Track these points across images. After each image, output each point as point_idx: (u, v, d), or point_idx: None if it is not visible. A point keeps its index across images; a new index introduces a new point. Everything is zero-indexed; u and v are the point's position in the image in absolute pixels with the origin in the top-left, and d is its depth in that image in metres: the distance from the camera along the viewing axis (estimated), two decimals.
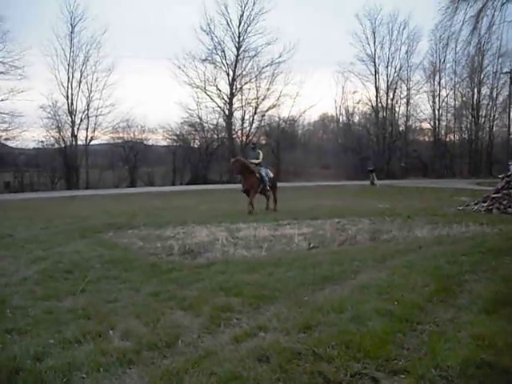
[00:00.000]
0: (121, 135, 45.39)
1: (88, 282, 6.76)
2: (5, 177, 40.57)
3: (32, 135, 42.93)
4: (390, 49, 53.69)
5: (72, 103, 42.36)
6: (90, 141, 43.64)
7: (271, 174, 17.69)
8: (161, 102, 74.34)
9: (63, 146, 42.26)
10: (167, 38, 71.69)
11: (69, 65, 42.42)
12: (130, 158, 45.36)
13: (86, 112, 42.81)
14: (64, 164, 41.74)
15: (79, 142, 43.14)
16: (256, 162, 17.36)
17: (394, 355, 4.25)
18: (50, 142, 43.00)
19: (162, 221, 13.65)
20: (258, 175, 16.90)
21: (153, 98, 68.99)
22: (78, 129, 42.60)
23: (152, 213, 16.41)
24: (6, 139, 40.24)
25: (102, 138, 45.33)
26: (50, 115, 41.72)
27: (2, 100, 38.27)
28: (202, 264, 8.09)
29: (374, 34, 53.20)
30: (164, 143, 49.94)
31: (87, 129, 43.09)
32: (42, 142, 42.77)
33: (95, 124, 43.36)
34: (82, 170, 43.21)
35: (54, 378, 3.90)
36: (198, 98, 47.06)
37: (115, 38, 61.52)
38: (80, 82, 42.68)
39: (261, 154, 17.84)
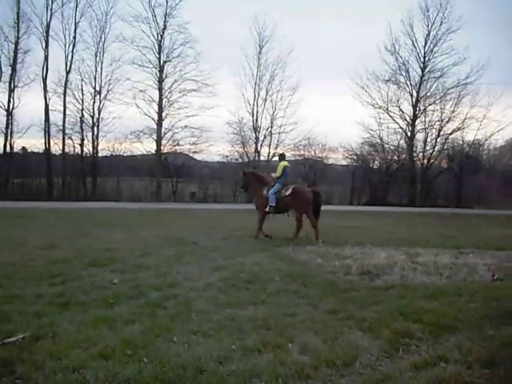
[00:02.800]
0: (302, 153, 46.18)
1: (268, 293, 6.93)
2: (191, 187, 43.05)
3: (217, 149, 45.13)
4: None
5: (257, 120, 43.91)
6: (273, 157, 44.78)
7: (287, 193, 14.45)
8: (342, 121, 74.68)
9: (246, 160, 43.89)
10: (350, 58, 72.05)
11: (255, 83, 44.02)
12: (310, 176, 46.00)
13: (269, 129, 44.10)
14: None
15: (261, 158, 44.56)
16: (273, 175, 15.10)
17: None
18: (234, 157, 44.92)
19: (340, 240, 13.64)
20: (265, 192, 14.79)
21: (334, 117, 69.53)
22: (261, 145, 44.03)
23: (329, 231, 16.43)
24: (194, 152, 42.68)
25: None
26: (235, 131, 43.60)
27: (193, 115, 40.70)
28: (380, 286, 7.94)
29: None
30: (344, 162, 49.99)
31: (270, 145, 44.34)
32: (226, 156, 44.78)
33: (278, 141, 44.48)
34: None
35: (236, 383, 4.05)
36: (379, 118, 46.57)
37: (300, 58, 62.79)
38: (265, 100, 44.08)
39: (280, 166, 14.95)
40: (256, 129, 43.62)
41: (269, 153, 44.15)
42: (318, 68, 68.15)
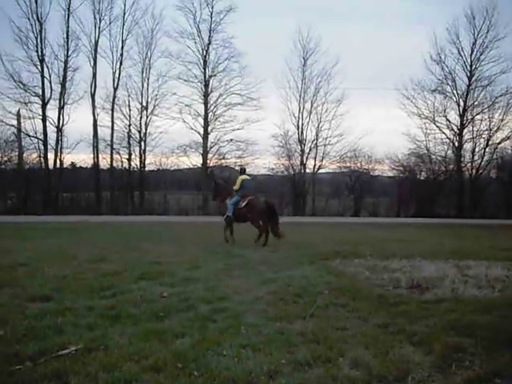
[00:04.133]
0: (347, 165, 45.87)
1: (317, 307, 6.89)
2: None
3: (263, 162, 45.20)
4: None
5: (302, 133, 43.85)
6: (318, 169, 44.75)
7: (243, 204, 15.82)
8: (388, 132, 73.93)
9: (292, 173, 43.90)
10: (396, 68, 71.46)
11: (300, 96, 44.02)
12: (356, 188, 45.71)
13: (315, 141, 44.01)
14: (292, 191, 43.35)
15: (307, 170, 44.49)
16: (234, 188, 16.49)
17: None
18: (279, 170, 44.95)
19: (388, 252, 13.47)
20: (227, 202, 16.32)
21: (380, 128, 68.92)
22: (306, 157, 43.95)
23: (377, 243, 16.29)
24: (240, 165, 42.84)
25: (328, 167, 46.28)
26: (281, 144, 43.66)
27: (238, 129, 41.03)
28: (431, 300, 7.81)
29: None
30: (390, 174, 49.40)
31: (315, 158, 44.22)
32: (272, 169, 44.83)
33: (323, 153, 44.33)
34: (309, 197, 44.44)
35: None
36: (426, 128, 45.83)
37: (345, 69, 62.51)
38: (310, 112, 44.01)
39: (239, 180, 16.41)
40: (301, 141, 43.59)
41: (314, 165, 44.07)
42: (362, 79, 68.07)
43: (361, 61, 65.93)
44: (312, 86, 43.78)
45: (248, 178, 16.82)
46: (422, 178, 48.36)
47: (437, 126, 45.38)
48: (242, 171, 17.24)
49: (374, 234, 22.02)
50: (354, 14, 69.33)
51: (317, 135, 43.95)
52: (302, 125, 43.79)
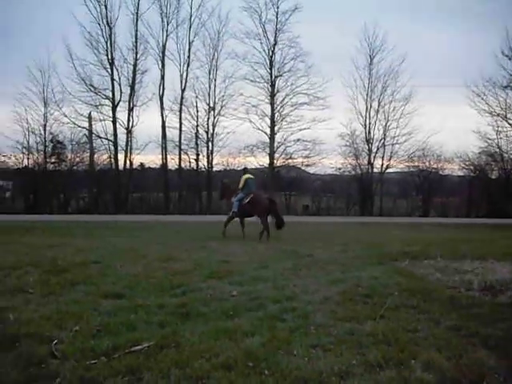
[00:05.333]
0: (416, 164, 45.11)
1: (387, 308, 6.79)
2: (304, 200, 43.21)
3: (330, 162, 44.93)
4: None
5: (369, 132, 43.54)
6: (386, 169, 44.23)
7: (246, 200, 17.26)
8: (457, 130, 72.09)
9: (359, 173, 43.51)
10: (464, 64, 69.69)
11: (367, 95, 43.75)
12: (424, 188, 44.86)
13: (382, 141, 43.57)
14: (359, 191, 43.01)
15: (375, 170, 44.03)
16: (239, 186, 17.85)
17: None
18: (346, 169, 44.62)
19: (459, 253, 13.13)
20: (233, 199, 17.73)
21: (449, 126, 67.39)
22: (374, 157, 43.56)
23: (447, 244, 15.91)
24: (307, 165, 42.87)
25: (396, 167, 45.63)
26: (348, 143, 43.40)
27: (305, 129, 41.00)
28: (505, 302, 7.56)
29: None
30: (460, 173, 48.21)
31: (383, 157, 43.76)
32: (339, 168, 44.55)
33: (391, 152, 43.83)
34: (376, 197, 43.98)
35: None
36: (497, 126, 44.47)
37: (412, 67, 61.51)
38: (377, 111, 43.64)
39: (242, 179, 17.84)
40: (369, 140, 43.28)
41: (382, 164, 43.63)
42: (430, 76, 66.55)
43: (427, 58, 64.92)
44: (379, 84, 43.50)
45: (251, 176, 18.14)
46: (494, 177, 47.03)
47: (509, 124, 43.93)
48: (246, 170, 18.81)
49: (444, 234, 21.55)
50: (421, 11, 68.14)
51: (384, 134, 43.58)
52: (369, 124, 43.52)
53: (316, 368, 4.55)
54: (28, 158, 40.66)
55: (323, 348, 5.13)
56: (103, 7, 38.48)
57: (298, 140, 41.34)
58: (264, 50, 40.76)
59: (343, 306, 6.96)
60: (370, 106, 43.66)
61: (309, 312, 6.58)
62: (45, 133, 39.58)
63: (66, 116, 39.04)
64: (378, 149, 43.51)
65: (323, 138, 44.25)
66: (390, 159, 43.88)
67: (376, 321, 6.20)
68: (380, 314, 6.48)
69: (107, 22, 38.68)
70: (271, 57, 40.81)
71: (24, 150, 40.10)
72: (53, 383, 4.18)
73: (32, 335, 5.33)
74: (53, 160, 40.96)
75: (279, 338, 5.36)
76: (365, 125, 43.37)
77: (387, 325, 6.02)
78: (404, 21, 70.18)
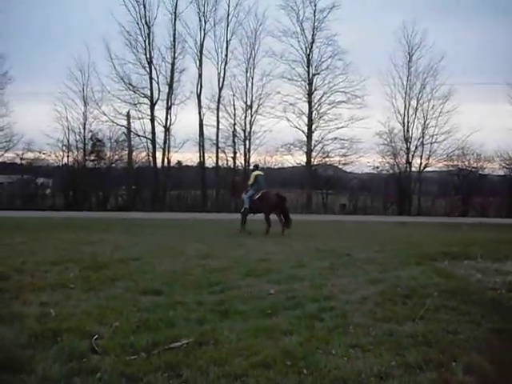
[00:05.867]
0: (455, 163, 44.41)
1: (426, 309, 6.71)
2: (341, 199, 42.99)
3: (367, 161, 44.55)
4: None
5: (408, 130, 43.01)
6: (424, 168, 43.69)
7: (256, 197, 18.05)
8: (498, 129, 70.83)
9: (397, 172, 43.07)
10: (504, 62, 68.33)
11: (405, 93, 43.20)
12: (464, 187, 44.18)
13: (420, 139, 43.02)
14: (397, 190, 42.56)
15: (413, 169, 43.56)
16: (249, 182, 18.76)
17: None
18: (384, 168, 44.20)
19: (500, 254, 12.88)
20: (243, 196, 18.48)
21: (490, 125, 66.16)
22: (412, 156, 43.05)
23: (488, 245, 15.61)
24: (344, 164, 42.67)
25: (435, 166, 45.01)
26: (386, 142, 42.95)
27: (343, 127, 40.78)
28: None
29: None
30: (501, 172, 47.27)
31: (421, 156, 43.23)
32: (376, 167, 44.17)
33: (430, 151, 43.27)
34: (415, 196, 43.51)
35: None
36: None
37: (452, 64, 60.43)
38: (416, 109, 43.08)
39: (253, 175, 18.74)
40: (407, 139, 42.79)
41: (420, 163, 43.11)
42: (470, 74, 65.66)
43: (467, 55, 63.85)
44: (418, 82, 42.97)
45: (261, 173, 18.98)
46: None
47: None
48: (256, 167, 19.77)
49: (484, 234, 21.16)
50: (460, 6, 67.13)
51: (423, 133, 43.04)
52: (408, 122, 43.01)
53: (355, 368, 4.53)
54: (68, 156, 41.58)
55: (362, 348, 5.09)
56: (142, 7, 39.00)
57: (336, 138, 41.26)
58: (301, 48, 40.79)
59: (382, 307, 6.89)
60: (409, 104, 43.16)
61: (347, 312, 6.54)
62: (84, 131, 40.45)
63: (105, 114, 39.75)
64: (416, 147, 43.03)
65: (361, 137, 43.72)
66: (428, 158, 43.34)
67: (415, 322, 6.14)
68: (420, 314, 6.41)
69: (146, 21, 39.17)
70: (309, 55, 40.76)
71: (64, 147, 41.01)
72: (94, 378, 4.23)
73: (73, 330, 5.41)
74: (92, 158, 41.69)
75: (317, 337, 5.34)
76: (403, 123, 42.91)
77: (427, 326, 5.95)
78: (443, 18, 69.23)
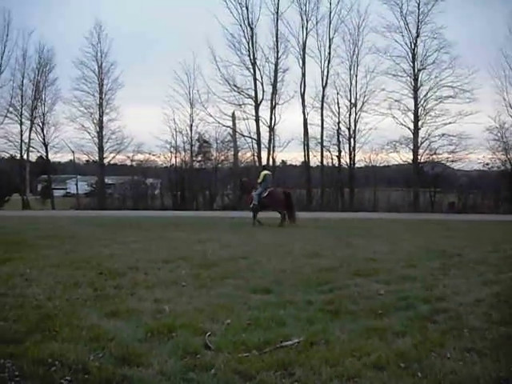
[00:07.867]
0: None
1: None
2: (449, 198, 41.66)
3: (477, 157, 42.82)
4: None
5: None
6: None
7: (265, 194, 20.05)
8: None
9: (509, 168, 41.14)
10: None
11: None
12: None
13: None
14: (509, 187, 40.66)
15: None
16: (258, 181, 20.81)
17: None
18: (495, 165, 42.34)
19: None
20: (253, 193, 20.30)
21: None
22: None
23: None
24: (452, 161, 41.22)
25: None
26: (496, 137, 41.03)
27: (450, 123, 39.26)
28: None
29: None
30: None
31: None
32: (487, 164, 42.39)
33: None
34: None
35: None
36: None
37: None
38: None
39: (261, 174, 20.87)
40: None
41: None
42: None
43: None
44: None
45: (269, 172, 21.43)
46: None
47: None
48: (264, 167, 22.90)
49: None
50: None
51: None
52: None
53: (472, 373, 4.38)
54: (176, 157, 43.15)
55: (478, 352, 4.91)
56: (244, 9, 39.63)
57: (443, 135, 39.75)
58: (406, 43, 39.64)
59: (498, 309, 6.63)
60: None
61: (461, 314, 6.34)
62: (191, 132, 41.93)
63: (211, 116, 40.80)
64: None
65: (470, 133, 41.93)
66: None
67: None
68: None
69: (248, 23, 39.79)
70: (413, 49, 39.60)
71: (172, 149, 42.64)
72: (209, 374, 4.34)
73: (186, 326, 5.60)
74: (199, 158, 42.90)
75: (431, 340, 5.22)
76: None
77: None
78: None
